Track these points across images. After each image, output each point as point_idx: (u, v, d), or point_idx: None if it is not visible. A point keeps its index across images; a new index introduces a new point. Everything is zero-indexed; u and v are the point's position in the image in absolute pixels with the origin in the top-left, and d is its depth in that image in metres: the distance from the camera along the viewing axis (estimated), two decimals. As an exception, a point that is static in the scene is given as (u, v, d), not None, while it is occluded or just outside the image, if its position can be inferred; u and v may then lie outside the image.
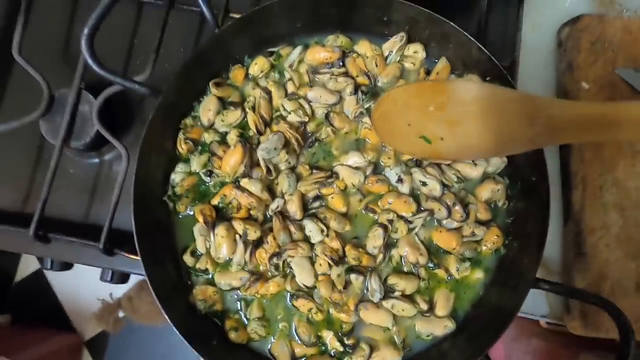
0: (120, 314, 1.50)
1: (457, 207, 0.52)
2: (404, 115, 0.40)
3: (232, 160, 0.52)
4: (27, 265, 1.58)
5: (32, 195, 0.64)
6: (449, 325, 0.52)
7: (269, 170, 0.52)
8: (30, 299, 1.58)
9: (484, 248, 0.54)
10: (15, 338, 1.41)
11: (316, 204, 0.53)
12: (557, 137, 0.34)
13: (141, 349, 1.55)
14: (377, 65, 0.56)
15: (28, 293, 1.59)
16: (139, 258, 0.48)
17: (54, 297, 1.59)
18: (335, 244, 0.52)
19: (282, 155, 0.52)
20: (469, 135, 0.37)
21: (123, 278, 0.69)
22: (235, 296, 0.53)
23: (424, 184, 0.53)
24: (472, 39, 0.51)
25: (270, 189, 0.53)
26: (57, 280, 1.58)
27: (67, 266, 0.68)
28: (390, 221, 0.52)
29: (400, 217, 0.53)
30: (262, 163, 0.52)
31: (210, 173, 0.54)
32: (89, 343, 1.57)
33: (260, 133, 0.54)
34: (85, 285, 1.53)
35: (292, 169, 0.54)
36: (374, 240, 0.52)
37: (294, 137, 0.53)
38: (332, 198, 0.53)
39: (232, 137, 0.54)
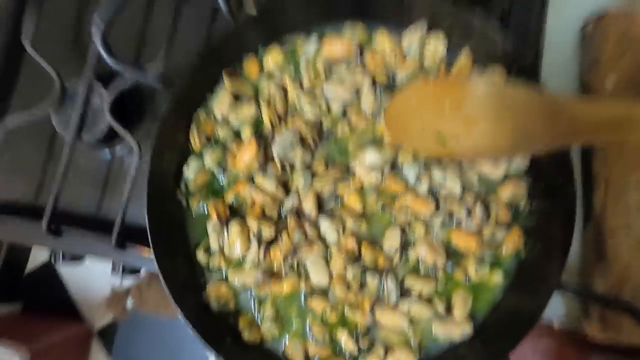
0: (129, 304, 1.51)
1: (477, 208, 0.50)
2: (419, 113, 0.39)
3: (246, 156, 0.51)
4: (39, 255, 1.59)
5: (44, 188, 0.64)
6: (466, 329, 0.50)
7: (283, 167, 0.51)
8: (41, 288, 1.60)
9: (504, 250, 0.52)
10: (26, 326, 1.43)
11: (332, 202, 0.52)
12: (580, 138, 0.33)
13: (150, 340, 1.57)
14: (395, 60, 0.54)
15: (39, 282, 1.61)
16: (151, 253, 0.47)
17: (64, 287, 1.60)
18: (351, 244, 0.50)
19: (297, 151, 0.51)
20: (486, 135, 0.36)
21: (133, 272, 0.69)
22: (249, 295, 0.52)
23: (443, 184, 0.51)
24: (498, 29, 0.48)
25: (285, 186, 0.52)
26: (67, 270, 1.59)
27: (77, 259, 0.68)
28: (408, 222, 0.51)
29: (418, 218, 0.51)
30: (276, 160, 0.51)
31: (223, 169, 0.53)
32: (98, 333, 1.58)
33: (275, 129, 0.53)
34: (95, 276, 1.54)
35: (308, 166, 0.53)
36: (391, 241, 0.51)
37: (310, 133, 0.52)
38: (348, 197, 0.52)
39: (246, 132, 0.53)
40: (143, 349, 1.55)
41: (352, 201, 0.52)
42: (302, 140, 0.52)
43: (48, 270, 1.62)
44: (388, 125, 0.47)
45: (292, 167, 0.52)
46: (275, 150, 0.50)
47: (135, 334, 1.56)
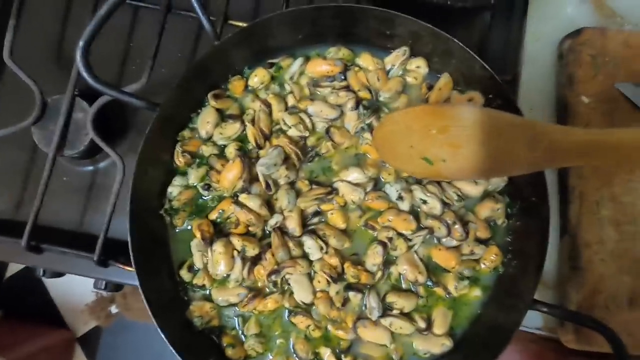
0: (114, 310, 1.49)
1: (457, 226, 0.52)
2: (407, 137, 0.41)
3: (230, 174, 0.51)
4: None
5: (25, 203, 0.63)
6: (447, 344, 0.52)
7: (268, 186, 0.52)
8: (22, 294, 1.57)
9: (482, 266, 0.54)
10: (7, 334, 1.40)
11: (315, 219, 0.53)
12: (557, 161, 0.35)
13: (134, 346, 1.55)
14: (379, 79, 0.55)
15: (20, 288, 1.57)
16: (134, 271, 0.47)
17: (46, 292, 1.57)
18: (334, 261, 0.51)
19: (281, 170, 0.52)
20: (470, 158, 0.38)
21: (117, 287, 0.68)
22: (233, 312, 0.53)
23: (425, 202, 0.52)
24: (476, 56, 0.50)
25: (269, 204, 0.53)
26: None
27: (60, 274, 0.67)
28: (390, 239, 0.52)
29: (400, 235, 0.53)
30: (261, 178, 0.51)
31: (208, 187, 0.53)
32: (81, 339, 1.56)
33: (259, 147, 0.53)
34: (77, 281, 1.51)
35: (292, 184, 0.54)
36: (373, 258, 0.52)
37: (294, 152, 0.53)
38: (332, 214, 0.53)
39: (231, 150, 0.53)
40: (127, 355, 1.53)
41: (336, 219, 0.53)
42: (287, 159, 0.53)
43: (29, 275, 1.59)
44: (376, 146, 0.49)
45: (276, 185, 0.53)
46: (260, 169, 0.51)
47: (120, 340, 1.54)
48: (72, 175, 0.64)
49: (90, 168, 0.64)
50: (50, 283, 1.57)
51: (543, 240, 0.48)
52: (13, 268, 1.57)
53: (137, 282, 0.47)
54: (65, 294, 1.57)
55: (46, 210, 0.59)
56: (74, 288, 1.55)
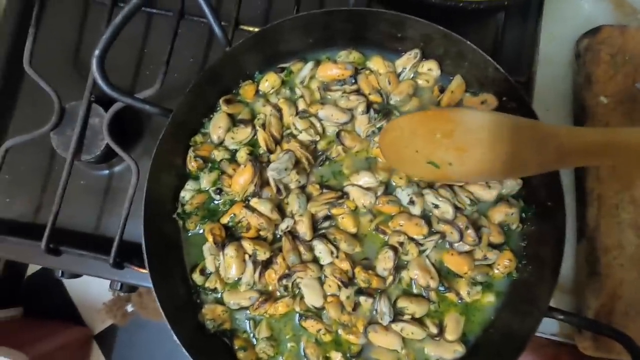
0: (130, 308, 1.52)
1: (470, 231, 0.51)
2: (412, 142, 0.41)
3: (241, 179, 0.52)
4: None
5: (44, 207, 0.64)
6: (459, 350, 0.51)
7: (279, 190, 0.52)
8: (41, 292, 1.61)
9: (495, 272, 0.53)
10: (26, 331, 1.44)
11: (326, 224, 0.53)
12: (566, 162, 0.35)
13: (149, 344, 1.58)
14: (389, 83, 0.55)
15: (39, 287, 1.62)
16: (148, 273, 0.48)
17: (64, 291, 1.61)
18: (345, 266, 0.51)
19: (292, 175, 0.52)
20: (478, 161, 0.38)
21: (132, 288, 0.70)
22: (244, 315, 0.53)
23: (436, 206, 0.52)
24: (489, 58, 0.49)
25: (280, 209, 0.53)
26: (68, 276, 1.60)
27: (77, 275, 0.68)
28: (401, 243, 0.52)
29: (411, 239, 0.52)
30: (272, 183, 0.51)
31: (219, 191, 0.54)
32: (98, 337, 1.59)
33: (270, 151, 0.54)
34: (95, 281, 1.54)
35: (302, 188, 0.54)
36: (384, 263, 0.52)
37: (305, 156, 0.53)
38: (343, 218, 0.53)
39: (242, 155, 0.54)
40: (142, 352, 1.56)
41: (347, 223, 0.53)
42: (297, 163, 0.53)
43: (49, 274, 1.63)
44: (383, 150, 0.49)
45: (287, 189, 0.53)
46: (271, 173, 0.51)
47: (135, 338, 1.57)
48: (89, 179, 0.65)
49: (106, 172, 0.66)
50: (68, 282, 1.61)
51: (559, 245, 0.47)
52: (33, 267, 1.61)
53: (151, 284, 0.48)
54: (83, 293, 1.61)
55: (64, 214, 0.60)
56: (92, 287, 1.59)
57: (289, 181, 0.52)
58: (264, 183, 0.53)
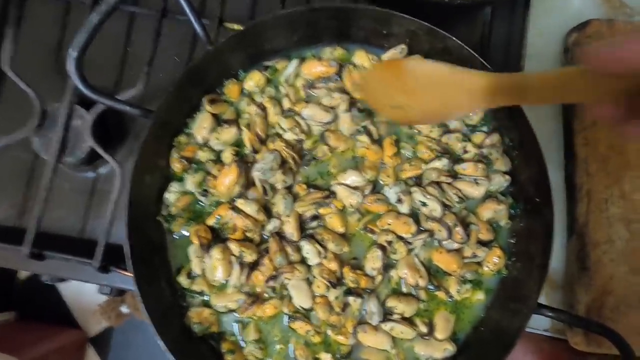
0: (124, 310, 1.51)
1: (458, 228, 0.51)
2: (380, 89, 0.47)
3: (227, 180, 0.51)
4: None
5: (27, 211, 0.63)
6: (449, 348, 0.51)
7: (265, 191, 0.51)
8: (35, 296, 1.60)
9: (485, 269, 0.52)
10: (20, 335, 1.42)
11: (313, 223, 0.52)
12: (489, 102, 0.41)
13: (145, 346, 1.57)
14: None
15: (32, 290, 1.60)
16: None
17: (57, 294, 1.60)
18: (333, 266, 0.51)
19: (278, 175, 0.51)
20: (425, 103, 0.44)
21: (121, 292, 0.68)
22: (232, 318, 0.52)
23: (424, 204, 0.51)
24: (474, 53, 0.49)
25: (267, 209, 0.52)
26: (60, 279, 1.59)
27: (62, 280, 0.67)
28: (389, 242, 0.51)
29: (400, 238, 0.52)
30: (257, 183, 0.51)
31: (205, 192, 0.53)
32: (93, 340, 1.58)
33: (256, 151, 0.53)
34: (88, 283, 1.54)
35: (289, 189, 0.53)
36: (373, 262, 0.51)
37: (291, 156, 0.52)
38: (330, 218, 0.52)
39: (227, 155, 0.53)
40: (138, 354, 1.55)
41: (334, 222, 0.52)
42: (283, 163, 0.52)
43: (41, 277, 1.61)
44: (365, 96, 0.53)
45: (273, 189, 0.52)
46: (256, 174, 0.50)
47: (131, 339, 1.56)
48: (73, 182, 0.64)
49: (91, 174, 0.65)
50: (62, 286, 1.60)
51: (547, 241, 0.47)
52: (25, 272, 1.60)
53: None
54: (77, 296, 1.60)
55: (48, 218, 0.59)
56: (86, 290, 1.57)
57: (275, 181, 0.52)
58: (249, 183, 0.52)
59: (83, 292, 1.57)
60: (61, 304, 1.58)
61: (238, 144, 0.54)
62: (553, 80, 0.36)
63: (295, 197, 0.53)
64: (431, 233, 0.52)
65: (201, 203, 0.54)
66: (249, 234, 0.52)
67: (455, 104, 0.42)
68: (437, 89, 0.42)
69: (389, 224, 0.52)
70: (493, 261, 0.52)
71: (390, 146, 0.53)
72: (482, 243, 0.53)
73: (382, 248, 0.51)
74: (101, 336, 1.56)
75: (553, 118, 0.69)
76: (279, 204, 0.51)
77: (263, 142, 0.53)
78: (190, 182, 0.53)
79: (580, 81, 0.34)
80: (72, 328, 1.56)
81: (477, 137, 0.54)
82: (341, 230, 0.52)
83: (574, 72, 0.35)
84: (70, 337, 1.53)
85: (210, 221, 0.52)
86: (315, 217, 0.52)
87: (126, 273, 0.58)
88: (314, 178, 0.54)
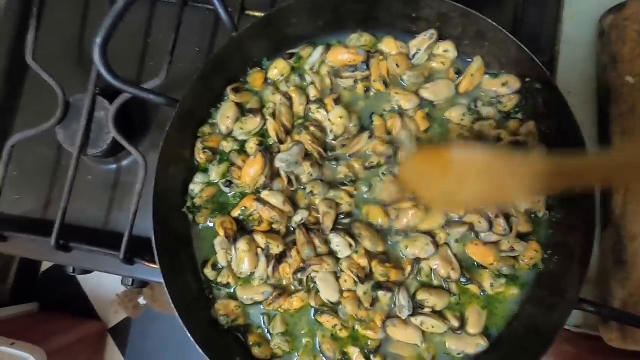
0: (142, 301, 1.54)
1: (500, 220, 0.48)
2: (424, 178, 0.46)
3: (252, 170, 0.50)
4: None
5: (53, 203, 0.63)
6: (482, 344, 0.49)
7: (290, 181, 0.50)
8: (56, 288, 1.63)
9: (521, 263, 0.50)
10: (43, 326, 1.46)
11: (346, 220, 0.51)
12: (543, 187, 0.39)
13: (163, 337, 1.59)
14: (398, 66, 0.52)
15: (54, 283, 1.64)
16: (159, 269, 0.47)
17: (78, 286, 1.63)
18: (363, 262, 0.49)
19: (305, 166, 0.50)
20: (479, 190, 0.42)
21: (144, 284, 0.69)
22: (258, 311, 0.52)
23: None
24: (511, 36, 0.46)
25: (292, 200, 0.51)
26: (81, 270, 1.62)
27: (89, 271, 0.68)
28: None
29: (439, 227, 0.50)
30: (283, 174, 0.50)
31: (229, 183, 0.52)
32: (112, 330, 1.61)
33: (281, 142, 0.52)
34: (108, 275, 1.56)
35: (321, 180, 0.52)
36: (419, 250, 0.49)
37: (316, 150, 0.50)
38: (369, 211, 0.51)
39: (252, 145, 0.52)
40: (157, 344, 1.58)
41: (374, 214, 0.51)
42: (307, 155, 0.51)
43: (63, 269, 1.65)
44: (408, 187, 0.50)
45: (298, 181, 0.51)
46: (280, 165, 0.49)
47: (149, 331, 1.59)
48: (97, 174, 0.64)
49: (114, 166, 0.64)
50: (82, 278, 1.63)
51: (588, 233, 0.45)
52: (47, 263, 1.63)
53: (162, 280, 0.47)
54: (96, 288, 1.63)
55: (73, 209, 0.59)
56: (105, 282, 1.60)
57: (300, 172, 0.50)
58: (274, 174, 0.51)
59: (103, 284, 1.60)
60: (82, 296, 1.61)
61: (262, 134, 0.53)
62: (619, 162, 0.35)
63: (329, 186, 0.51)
64: (471, 226, 0.50)
65: (226, 194, 0.53)
66: (275, 226, 0.51)
67: (512, 189, 0.40)
68: (491, 176, 0.40)
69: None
70: (530, 255, 0.50)
71: (423, 121, 0.52)
72: (520, 236, 0.51)
73: (434, 242, 0.49)
74: (120, 327, 1.60)
75: (588, 106, 0.66)
76: (317, 192, 0.50)
77: (288, 132, 0.52)
78: (215, 173, 0.52)
79: None
80: (92, 319, 1.60)
81: (512, 125, 0.52)
82: (384, 222, 0.51)
83: None
84: (91, 328, 1.56)
85: (236, 212, 0.52)
86: (349, 215, 0.51)
87: (151, 265, 0.58)
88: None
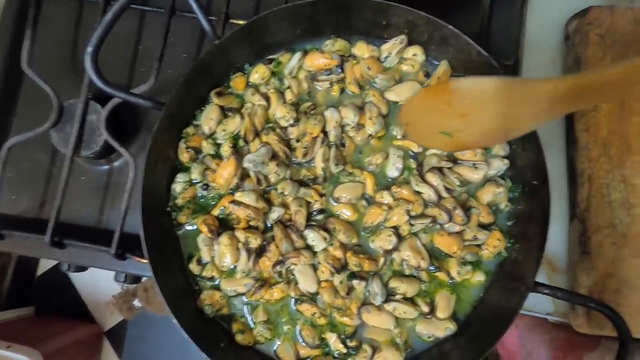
0: (136, 303, 1.55)
1: (458, 211, 0.52)
2: (424, 117, 0.44)
3: (225, 172, 0.52)
4: (49, 259, 1.63)
5: (47, 203, 0.66)
6: (450, 327, 0.53)
7: (259, 181, 0.53)
8: (52, 291, 1.65)
9: (485, 252, 0.54)
10: (38, 329, 1.47)
11: (320, 216, 0.54)
12: (556, 110, 0.38)
13: (158, 339, 1.61)
14: (369, 68, 0.55)
15: (49, 286, 1.65)
16: (148, 263, 0.50)
17: (73, 289, 1.65)
18: (338, 254, 0.52)
19: (271, 166, 0.52)
20: (481, 123, 0.40)
21: (136, 279, 0.72)
22: (241, 301, 0.55)
23: (419, 193, 0.53)
24: (472, 41, 0.50)
25: (267, 198, 0.54)
26: (77, 273, 1.63)
27: (83, 268, 0.71)
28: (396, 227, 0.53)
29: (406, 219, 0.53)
30: (252, 174, 0.53)
31: (206, 187, 0.55)
32: (108, 333, 1.63)
33: (247, 142, 0.54)
34: (103, 278, 1.58)
35: (291, 179, 0.54)
36: (384, 242, 0.53)
37: (282, 150, 0.54)
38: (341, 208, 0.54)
39: (226, 148, 0.55)
40: (152, 347, 1.59)
41: (346, 209, 0.54)
42: (274, 156, 0.53)
43: (58, 273, 1.67)
44: (406, 132, 0.51)
45: (267, 180, 0.54)
46: (247, 165, 0.52)
47: (145, 333, 1.60)
48: (90, 174, 0.67)
49: (106, 167, 0.68)
50: (78, 281, 1.64)
51: (544, 222, 0.48)
52: (43, 267, 1.65)
53: (151, 274, 0.50)
54: (92, 291, 1.64)
55: (67, 208, 0.62)
56: (100, 286, 1.62)
57: (267, 172, 0.53)
58: (244, 175, 0.53)
59: (98, 287, 1.62)
60: (77, 299, 1.63)
61: (236, 137, 0.56)
62: (622, 75, 0.34)
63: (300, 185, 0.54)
64: (433, 218, 0.53)
65: (203, 198, 0.55)
66: (252, 223, 0.53)
67: (518, 118, 0.38)
68: (498, 105, 0.38)
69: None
70: (493, 244, 0.53)
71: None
72: (483, 226, 0.54)
73: (396, 233, 0.52)
74: (116, 330, 1.61)
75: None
76: (288, 193, 0.53)
77: (258, 134, 0.55)
78: (197, 172, 0.55)
79: None
80: (88, 322, 1.61)
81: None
82: (353, 218, 0.54)
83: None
84: (87, 331, 1.58)
85: (215, 212, 0.54)
86: (322, 211, 0.54)
87: (141, 260, 0.61)
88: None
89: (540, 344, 0.72)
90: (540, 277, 0.52)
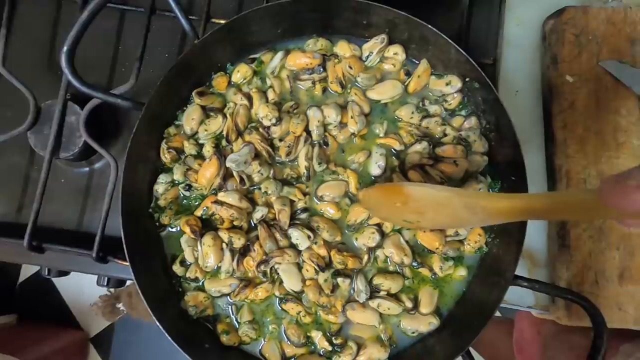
0: (120, 306, 1.53)
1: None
2: (382, 208, 0.49)
3: (207, 173, 0.52)
4: (30, 265, 1.60)
5: (25, 206, 0.65)
6: (434, 322, 0.53)
7: (242, 180, 0.53)
8: (35, 298, 1.61)
9: (467, 247, 0.55)
10: (22, 337, 1.44)
11: (303, 215, 0.54)
12: (495, 220, 0.42)
13: (145, 345, 1.59)
14: (351, 67, 0.56)
15: (32, 292, 1.62)
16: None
17: (58, 295, 1.61)
18: (322, 252, 0.53)
19: (254, 165, 0.52)
20: (437, 219, 0.46)
21: (120, 283, 0.71)
22: (226, 301, 0.54)
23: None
24: (450, 41, 0.51)
25: (249, 197, 0.54)
26: (60, 279, 1.60)
27: (64, 272, 0.69)
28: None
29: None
30: (235, 174, 0.52)
31: (189, 187, 0.54)
32: (94, 339, 1.60)
33: (229, 141, 0.54)
34: (87, 283, 1.55)
35: (274, 179, 0.55)
36: (367, 240, 0.53)
37: (265, 149, 0.54)
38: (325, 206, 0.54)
39: (208, 149, 0.54)
40: (139, 353, 1.57)
41: (330, 208, 0.54)
42: (257, 155, 0.53)
43: (41, 279, 1.63)
44: (370, 211, 0.54)
45: (250, 179, 0.53)
46: (230, 165, 0.52)
47: (132, 339, 1.58)
48: (69, 176, 0.66)
49: (86, 169, 0.66)
50: (62, 287, 1.61)
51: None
52: (25, 274, 1.61)
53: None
54: (77, 297, 1.61)
55: (46, 212, 0.61)
56: (86, 291, 1.59)
57: (250, 172, 0.53)
58: (227, 174, 0.53)
59: (83, 293, 1.59)
60: (62, 306, 1.59)
61: (219, 136, 0.56)
62: (566, 202, 0.38)
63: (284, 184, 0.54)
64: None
65: (186, 199, 0.55)
66: (236, 223, 0.53)
67: (465, 221, 0.44)
68: (446, 210, 0.43)
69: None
70: (474, 239, 0.54)
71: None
72: (463, 222, 0.55)
73: (380, 231, 0.53)
74: (102, 336, 1.58)
75: (534, 104, 0.71)
76: (271, 192, 0.53)
77: (240, 133, 0.55)
78: (179, 172, 0.54)
79: (592, 204, 0.33)
80: (73, 329, 1.58)
81: (456, 121, 0.56)
82: (337, 216, 0.54)
83: (586, 197, 0.35)
84: (72, 338, 1.55)
85: (198, 213, 0.54)
86: (306, 210, 0.54)
87: (123, 263, 0.60)
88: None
89: (562, 352, 0.74)
90: (522, 271, 0.53)
